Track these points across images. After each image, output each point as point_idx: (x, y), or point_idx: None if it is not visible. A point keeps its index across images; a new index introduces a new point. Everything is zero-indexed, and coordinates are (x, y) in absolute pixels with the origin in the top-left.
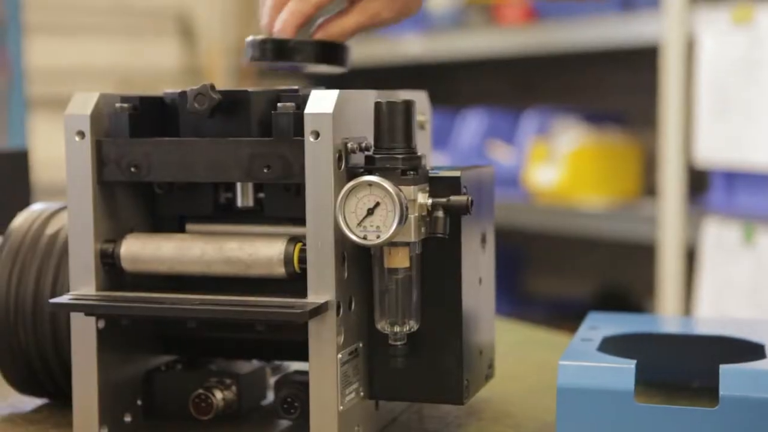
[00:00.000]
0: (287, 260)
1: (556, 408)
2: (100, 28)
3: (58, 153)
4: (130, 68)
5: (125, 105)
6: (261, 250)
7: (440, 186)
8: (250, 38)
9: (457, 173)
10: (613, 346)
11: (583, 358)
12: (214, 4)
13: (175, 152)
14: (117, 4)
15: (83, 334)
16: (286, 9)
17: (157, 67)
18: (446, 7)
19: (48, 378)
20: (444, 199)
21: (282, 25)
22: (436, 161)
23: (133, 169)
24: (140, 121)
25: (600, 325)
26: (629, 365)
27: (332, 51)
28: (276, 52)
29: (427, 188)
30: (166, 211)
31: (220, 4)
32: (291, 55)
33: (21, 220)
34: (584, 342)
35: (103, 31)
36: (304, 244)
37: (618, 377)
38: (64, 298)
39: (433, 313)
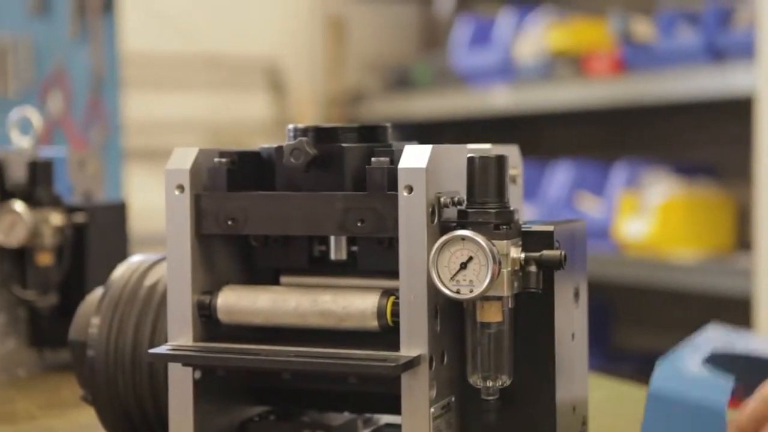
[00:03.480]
0: (380, 313)
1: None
2: (192, 81)
3: (152, 203)
4: (221, 120)
5: (223, 160)
6: (354, 303)
7: (533, 240)
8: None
9: (550, 228)
10: (720, 361)
11: (683, 367)
12: (303, 56)
13: (271, 206)
14: (208, 58)
15: (180, 384)
16: None
17: (247, 118)
18: (534, 59)
19: (145, 426)
20: (537, 254)
21: None
22: (524, 213)
23: (230, 222)
24: (237, 175)
25: (715, 338)
26: (727, 381)
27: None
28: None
29: (520, 243)
30: (261, 264)
31: (309, 56)
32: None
33: (120, 271)
34: (692, 351)
35: (195, 84)
36: (397, 298)
37: (713, 391)
38: (162, 349)
39: (526, 368)
